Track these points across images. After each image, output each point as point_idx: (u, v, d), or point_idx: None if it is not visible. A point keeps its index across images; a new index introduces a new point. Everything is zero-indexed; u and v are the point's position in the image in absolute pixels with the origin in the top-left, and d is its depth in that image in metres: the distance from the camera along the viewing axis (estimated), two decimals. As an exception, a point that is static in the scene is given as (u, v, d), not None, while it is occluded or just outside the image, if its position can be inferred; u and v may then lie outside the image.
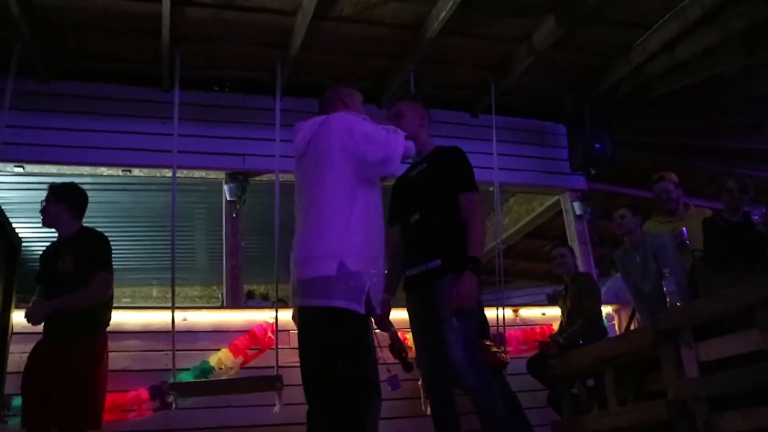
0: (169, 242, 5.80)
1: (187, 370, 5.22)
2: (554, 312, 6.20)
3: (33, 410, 3.87)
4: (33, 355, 4.02)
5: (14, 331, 4.41)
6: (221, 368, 5.36)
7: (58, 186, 4.35)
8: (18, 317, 4.27)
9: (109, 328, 4.30)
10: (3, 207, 4.35)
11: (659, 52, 6.09)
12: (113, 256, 4.28)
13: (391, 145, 2.98)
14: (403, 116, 3.57)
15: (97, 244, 4.18)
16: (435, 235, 3.36)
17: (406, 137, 3.27)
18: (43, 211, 4.30)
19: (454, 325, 3.15)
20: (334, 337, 2.76)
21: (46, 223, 4.30)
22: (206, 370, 5.32)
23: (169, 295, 5.10)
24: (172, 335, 5.10)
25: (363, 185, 2.96)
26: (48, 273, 4.18)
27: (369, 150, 2.93)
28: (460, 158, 3.49)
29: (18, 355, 4.30)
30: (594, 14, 5.68)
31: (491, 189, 6.61)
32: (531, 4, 5.60)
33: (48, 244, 4.45)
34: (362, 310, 2.83)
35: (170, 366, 5.08)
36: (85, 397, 3.91)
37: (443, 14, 5.42)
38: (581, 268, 6.16)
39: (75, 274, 4.04)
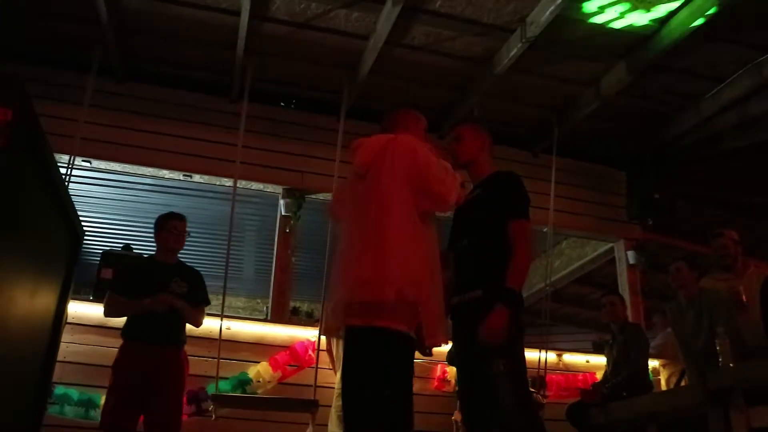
0: (220, 250, 5.89)
1: (226, 379, 5.26)
2: (599, 360, 6.08)
3: (128, 409, 4.07)
4: (136, 356, 4.18)
5: (67, 321, 4.51)
6: (259, 381, 5.39)
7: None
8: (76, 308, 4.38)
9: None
10: (69, 199, 4.45)
11: (730, 107, 6.01)
12: None
13: (448, 185, 2.94)
14: (463, 139, 3.46)
15: (203, 281, 4.60)
16: (479, 262, 3.21)
17: (464, 162, 3.28)
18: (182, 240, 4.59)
19: (500, 369, 2.95)
20: (382, 358, 2.72)
21: (180, 249, 4.60)
22: (244, 381, 5.35)
23: (214, 303, 5.15)
24: (218, 343, 5.13)
25: (423, 214, 2.93)
26: (154, 288, 4.33)
27: (430, 180, 2.90)
28: (514, 183, 3.31)
29: (65, 344, 4.40)
30: (665, 63, 5.63)
31: (545, 230, 6.55)
32: (603, 48, 5.59)
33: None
34: (413, 335, 2.80)
35: (210, 373, 5.12)
36: (181, 401, 4.37)
37: (514, 51, 5.45)
38: (630, 319, 6.02)
39: (188, 298, 4.40)
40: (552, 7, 4.87)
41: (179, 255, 4.64)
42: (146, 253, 7.46)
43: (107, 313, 4.40)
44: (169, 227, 4.50)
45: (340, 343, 3.77)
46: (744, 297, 4.66)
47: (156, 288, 4.31)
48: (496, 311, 2.94)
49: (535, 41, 5.26)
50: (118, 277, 4.59)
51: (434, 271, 2.94)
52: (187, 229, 4.59)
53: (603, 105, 6.19)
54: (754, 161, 6.78)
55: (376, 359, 2.74)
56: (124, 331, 4.31)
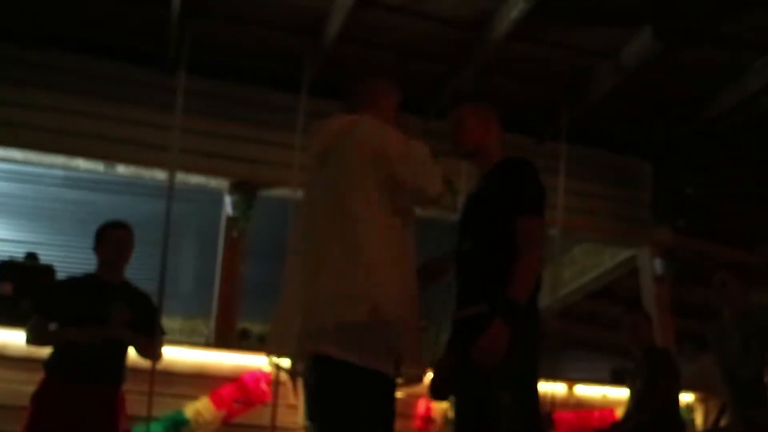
0: (149, 259, 5.80)
1: (157, 419, 5.18)
2: (619, 394, 6.09)
3: None
4: (58, 397, 4.14)
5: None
6: (199, 421, 5.35)
7: None
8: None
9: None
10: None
11: (784, 81, 6.06)
12: (78, 268, 4.61)
13: (426, 176, 2.93)
14: (465, 123, 3.40)
15: (153, 304, 4.67)
16: (485, 270, 3.17)
17: (467, 151, 3.28)
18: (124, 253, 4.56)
19: (504, 403, 2.93)
20: (356, 403, 2.71)
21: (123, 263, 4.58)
22: (180, 422, 5.32)
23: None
24: (151, 375, 5.04)
25: (398, 212, 2.92)
26: (89, 313, 4.29)
27: (403, 171, 2.88)
28: (525, 171, 3.27)
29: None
30: (703, 29, 5.67)
31: (552, 233, 6.54)
32: (624, 11, 5.60)
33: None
34: (391, 371, 2.80)
35: (138, 412, 4.98)
36: None
37: (513, 14, 5.44)
38: (658, 343, 6.04)
39: (133, 327, 4.35)
40: (562, -41, 4.87)
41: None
42: (58, 264, 7.35)
43: (30, 341, 4.34)
44: (107, 238, 4.49)
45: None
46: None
47: (92, 313, 4.26)
48: (493, 327, 2.91)
49: (541, 0, 5.23)
50: (47, 298, 4.57)
51: (413, 284, 2.95)
52: (89, 243, 4.58)
53: (624, 81, 6.21)
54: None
55: (352, 404, 2.74)
56: (47, 363, 4.27)
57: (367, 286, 2.75)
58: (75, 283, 4.66)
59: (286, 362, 3.04)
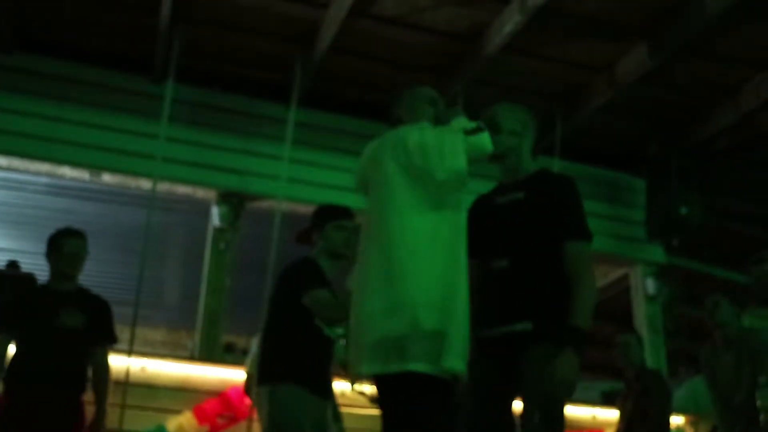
0: (135, 269, 5.76)
1: (139, 433, 5.14)
2: (609, 415, 6.05)
3: None
4: (19, 403, 4.13)
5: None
6: (181, 436, 5.31)
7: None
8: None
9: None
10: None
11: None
12: None
13: (448, 151, 2.88)
14: (500, 126, 3.31)
15: (108, 312, 4.55)
16: (528, 289, 3.11)
17: (500, 152, 3.18)
18: (82, 260, 4.55)
19: (534, 422, 2.95)
20: (409, 413, 2.73)
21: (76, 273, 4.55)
22: (162, 436, 5.26)
23: (125, 335, 5.05)
24: (124, 387, 5.01)
25: (439, 210, 2.90)
26: (41, 323, 4.28)
27: (429, 163, 2.86)
28: (574, 194, 3.21)
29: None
30: (698, 45, 5.67)
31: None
32: (619, 25, 5.61)
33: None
34: (447, 375, 2.78)
35: (116, 424, 5.00)
36: None
37: (507, 27, 5.44)
38: (649, 363, 6.02)
39: (85, 334, 4.32)
40: (557, -27, 4.87)
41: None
42: (41, 273, 7.25)
43: None
44: (61, 247, 4.45)
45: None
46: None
47: (43, 321, 4.24)
48: (566, 356, 2.90)
49: (535, 14, 5.23)
50: (2, 313, 4.52)
51: (458, 284, 2.89)
52: (88, 248, 4.56)
53: (618, 96, 6.22)
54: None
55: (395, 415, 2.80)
56: (7, 370, 4.25)
57: (405, 296, 2.74)
58: (26, 291, 4.77)
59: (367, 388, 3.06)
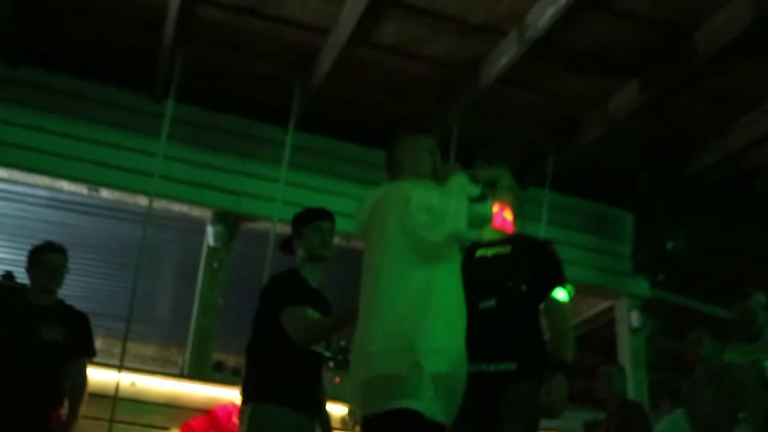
0: (128, 285, 5.73)
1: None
2: (591, 445, 6.02)
3: None
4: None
5: None
6: (167, 453, 5.27)
7: (62, 247, 4.56)
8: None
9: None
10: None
11: (764, 139, 6.10)
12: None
13: (450, 216, 2.86)
14: (499, 184, 3.50)
15: (87, 326, 4.51)
16: (513, 330, 3.33)
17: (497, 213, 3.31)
18: (61, 274, 4.49)
19: None
20: None
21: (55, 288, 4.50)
22: (149, 452, 5.21)
23: (117, 350, 5.03)
24: (113, 402, 4.97)
25: (434, 263, 2.88)
26: (19, 337, 4.28)
27: (430, 225, 2.84)
28: (556, 257, 3.52)
29: None
30: (688, 83, 5.70)
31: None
32: (612, 62, 5.64)
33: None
34: (445, 420, 2.76)
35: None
36: None
37: (505, 59, 5.46)
38: (631, 395, 6.01)
39: (64, 347, 4.30)
40: (554, 8, 4.88)
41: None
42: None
43: None
44: (43, 262, 4.44)
45: None
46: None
47: (22, 334, 4.24)
48: (559, 379, 3.17)
49: (532, 48, 5.27)
50: None
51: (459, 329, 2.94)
52: (69, 264, 4.55)
53: (610, 130, 6.24)
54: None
55: None
56: None
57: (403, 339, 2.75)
58: (6, 306, 4.66)
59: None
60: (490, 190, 3.27)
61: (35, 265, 4.43)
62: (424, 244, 2.84)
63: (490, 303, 3.36)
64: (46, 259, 4.43)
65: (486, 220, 3.08)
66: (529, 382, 3.20)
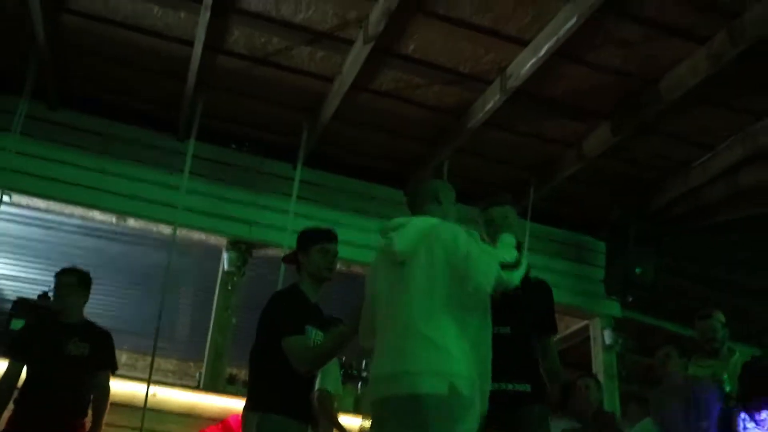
0: (152, 304, 5.72)
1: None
2: (569, 451, 5.96)
3: None
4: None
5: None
6: (185, 458, 5.21)
7: (82, 272, 4.59)
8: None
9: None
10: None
11: (721, 176, 6.13)
12: (86, 308, 4.57)
13: (486, 265, 2.85)
14: (506, 221, 3.52)
15: (110, 342, 4.54)
16: (526, 355, 3.38)
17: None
18: (63, 294, 4.48)
19: None
20: None
21: (56, 308, 4.55)
22: (168, 457, 5.16)
23: (140, 363, 5.01)
24: (143, 412, 4.95)
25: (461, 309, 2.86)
26: (49, 353, 4.29)
27: (467, 273, 2.83)
28: (552, 298, 3.66)
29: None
30: (654, 126, 5.74)
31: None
32: (588, 107, 5.67)
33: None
34: None
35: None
36: None
37: (490, 105, 5.49)
38: (605, 405, 5.95)
39: (89, 361, 4.33)
40: (534, 59, 4.92)
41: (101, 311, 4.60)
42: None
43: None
44: (56, 285, 4.52)
45: None
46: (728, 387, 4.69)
47: (51, 350, 4.26)
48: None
49: (514, 95, 5.30)
50: (15, 341, 4.54)
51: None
52: (100, 285, 4.81)
53: (584, 168, 6.25)
54: (746, 236, 6.88)
55: None
56: (18, 393, 4.27)
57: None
58: (37, 323, 4.76)
59: None
60: (497, 227, 3.41)
61: (54, 289, 4.51)
62: (460, 287, 2.82)
63: (506, 329, 3.32)
64: (59, 281, 4.49)
65: (510, 287, 2.96)
66: (541, 403, 3.29)
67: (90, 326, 4.50)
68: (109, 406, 4.40)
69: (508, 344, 3.27)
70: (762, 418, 4.23)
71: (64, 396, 4.22)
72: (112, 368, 4.50)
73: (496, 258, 2.90)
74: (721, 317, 5.27)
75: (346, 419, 5.98)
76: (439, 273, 2.84)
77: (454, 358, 2.74)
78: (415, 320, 2.80)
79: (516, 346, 3.33)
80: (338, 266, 6.81)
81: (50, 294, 6.58)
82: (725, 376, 4.84)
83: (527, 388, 3.27)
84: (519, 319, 3.41)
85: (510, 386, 3.26)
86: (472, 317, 2.87)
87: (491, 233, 3.45)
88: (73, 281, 4.49)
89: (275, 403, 3.38)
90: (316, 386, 4.77)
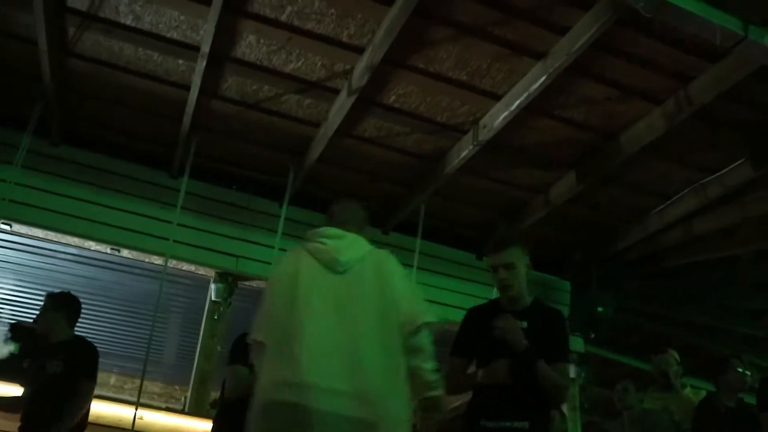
0: (141, 330, 5.71)
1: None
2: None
3: None
4: None
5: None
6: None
7: (57, 295, 4.64)
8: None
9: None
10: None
11: (676, 224, 6.25)
12: (79, 331, 4.64)
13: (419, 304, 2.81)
14: (515, 268, 3.37)
15: (89, 353, 4.49)
16: (526, 394, 3.20)
17: (517, 293, 3.32)
18: (40, 318, 4.54)
19: None
20: None
21: (40, 330, 4.57)
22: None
23: (127, 386, 5.00)
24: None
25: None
26: (32, 373, 4.40)
27: (402, 309, 2.73)
28: (565, 327, 3.46)
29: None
30: (615, 176, 5.86)
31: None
32: (554, 157, 5.78)
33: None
34: None
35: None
36: None
37: (465, 153, 5.58)
38: (568, 435, 6.01)
39: (64, 377, 4.30)
40: (506, 112, 5.02)
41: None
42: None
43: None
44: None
45: None
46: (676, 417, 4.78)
47: (36, 370, 4.36)
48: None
49: (487, 145, 5.40)
50: (6, 362, 4.68)
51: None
52: (48, 307, 4.61)
53: (551, 212, 6.33)
54: (699, 279, 7.01)
55: None
56: None
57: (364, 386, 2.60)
58: (28, 347, 4.92)
59: None
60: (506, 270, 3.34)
61: None
62: (394, 318, 2.71)
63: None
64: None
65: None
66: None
67: (72, 343, 4.49)
68: (80, 412, 4.34)
69: (509, 383, 3.22)
70: None
71: (45, 413, 4.22)
72: (86, 376, 4.39)
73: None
74: (675, 354, 5.36)
75: None
76: (389, 301, 2.74)
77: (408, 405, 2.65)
78: (372, 346, 2.64)
79: (517, 386, 3.21)
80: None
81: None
82: (674, 408, 4.93)
83: (525, 425, 3.14)
84: (521, 359, 3.22)
85: (510, 424, 3.17)
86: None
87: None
88: (46, 305, 4.56)
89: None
90: None
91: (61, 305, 4.56)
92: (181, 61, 5.14)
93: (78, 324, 4.61)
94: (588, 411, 7.22)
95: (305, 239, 3.00)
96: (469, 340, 3.41)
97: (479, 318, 3.46)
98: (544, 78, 4.58)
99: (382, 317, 2.70)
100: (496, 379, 3.21)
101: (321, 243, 2.92)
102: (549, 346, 3.24)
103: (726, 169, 5.53)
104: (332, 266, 2.83)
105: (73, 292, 4.72)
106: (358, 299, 2.74)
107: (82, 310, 4.64)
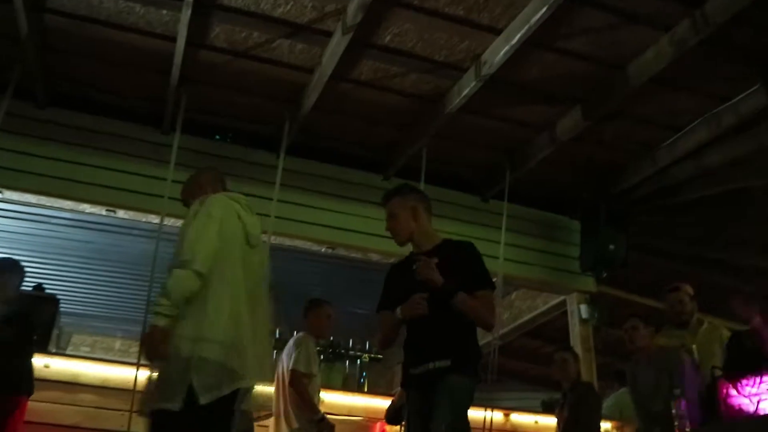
0: (143, 292, 5.71)
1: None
2: (549, 421, 6.06)
3: None
4: None
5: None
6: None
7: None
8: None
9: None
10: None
11: (686, 157, 6.18)
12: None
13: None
14: (397, 217, 3.58)
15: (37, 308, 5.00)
16: (446, 333, 3.32)
17: (405, 239, 3.57)
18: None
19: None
20: None
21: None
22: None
23: (133, 349, 5.02)
24: (132, 394, 4.96)
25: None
26: None
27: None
28: (477, 255, 3.51)
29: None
30: (622, 110, 5.78)
31: (494, 279, 6.54)
32: (559, 92, 5.70)
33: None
34: None
35: (125, 427, 4.94)
36: None
37: (466, 91, 5.50)
38: (583, 377, 6.05)
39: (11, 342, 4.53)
40: (507, 47, 4.93)
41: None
42: (62, 294, 7.16)
43: None
44: None
45: None
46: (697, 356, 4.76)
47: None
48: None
49: (488, 81, 5.31)
50: None
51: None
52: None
53: (557, 150, 6.26)
54: (711, 214, 6.97)
55: None
56: None
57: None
58: None
59: None
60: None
61: None
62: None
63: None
64: None
65: None
66: (461, 375, 3.25)
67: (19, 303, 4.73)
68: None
69: (428, 325, 3.33)
70: (743, 385, 4.31)
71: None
72: (34, 331, 4.74)
73: None
74: (689, 290, 5.33)
75: (332, 396, 6.07)
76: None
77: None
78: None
79: (436, 327, 3.33)
80: (318, 248, 6.92)
81: (44, 286, 6.65)
82: (694, 346, 4.91)
83: (447, 363, 3.25)
84: (441, 298, 3.32)
85: (432, 365, 3.29)
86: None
87: None
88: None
89: None
90: (290, 366, 4.88)
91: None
92: (164, 11, 5.03)
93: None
94: (601, 352, 7.27)
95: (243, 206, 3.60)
96: (392, 293, 3.54)
97: (398, 271, 3.65)
98: (545, 9, 4.48)
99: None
100: (414, 311, 3.30)
101: (253, 216, 3.63)
102: (467, 277, 3.35)
103: (738, 97, 5.44)
104: (252, 240, 3.47)
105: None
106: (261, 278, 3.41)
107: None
